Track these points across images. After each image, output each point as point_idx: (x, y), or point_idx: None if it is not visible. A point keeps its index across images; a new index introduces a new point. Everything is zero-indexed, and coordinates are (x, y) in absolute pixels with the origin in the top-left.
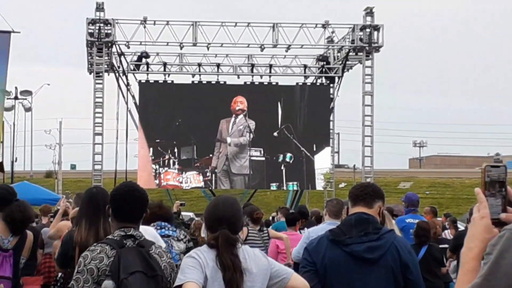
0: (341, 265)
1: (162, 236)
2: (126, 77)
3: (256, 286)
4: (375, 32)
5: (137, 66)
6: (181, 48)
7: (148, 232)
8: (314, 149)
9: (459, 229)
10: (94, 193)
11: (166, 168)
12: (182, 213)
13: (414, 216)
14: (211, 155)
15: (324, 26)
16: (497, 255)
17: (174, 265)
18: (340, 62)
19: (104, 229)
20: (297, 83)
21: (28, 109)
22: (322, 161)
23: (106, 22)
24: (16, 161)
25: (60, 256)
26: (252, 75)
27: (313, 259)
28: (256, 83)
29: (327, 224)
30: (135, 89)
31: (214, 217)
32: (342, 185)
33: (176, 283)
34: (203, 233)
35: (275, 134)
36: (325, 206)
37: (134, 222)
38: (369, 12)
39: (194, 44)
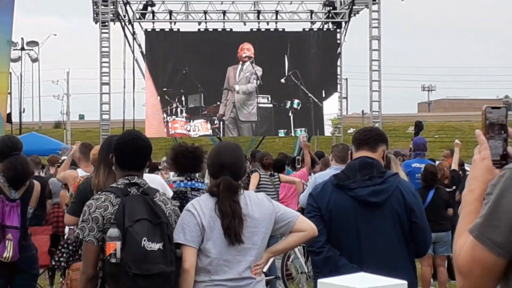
0: (346, 209)
1: (192, 189)
2: (132, 26)
3: (259, 231)
4: None
5: (143, 15)
6: None
7: (155, 181)
8: (323, 95)
9: (467, 172)
10: (113, 140)
11: (173, 117)
12: None
13: (420, 160)
14: (218, 103)
15: None
16: (497, 194)
17: (179, 211)
18: (347, 7)
19: None
20: (303, 29)
21: (34, 60)
22: (331, 107)
23: None
24: (24, 112)
25: (78, 202)
26: (259, 22)
27: (318, 204)
28: (263, 29)
29: (333, 169)
30: (141, 38)
31: (216, 164)
32: (350, 130)
33: (174, 240)
34: (207, 179)
35: (283, 80)
36: (331, 152)
37: (137, 170)
38: None
39: None
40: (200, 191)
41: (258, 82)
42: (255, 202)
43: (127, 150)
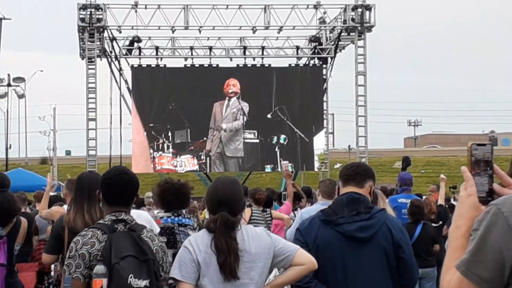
0: (333, 245)
1: (180, 225)
2: (119, 62)
3: (257, 266)
4: (367, 12)
5: (129, 51)
6: (173, 32)
7: (142, 216)
8: (313, 130)
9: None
10: (81, 178)
11: (160, 152)
12: None
13: (407, 195)
14: (205, 138)
15: (316, 6)
16: (484, 230)
17: (165, 248)
18: (333, 43)
19: (89, 213)
20: (289, 65)
21: (21, 96)
22: (317, 142)
23: (97, 7)
24: (10, 148)
25: (52, 240)
26: (245, 58)
27: (305, 239)
28: (249, 65)
29: (320, 204)
30: (128, 73)
31: (213, 200)
32: (337, 165)
33: (171, 275)
34: (207, 215)
35: (269, 116)
36: (318, 187)
37: (124, 206)
38: None
39: (186, 28)
40: (188, 227)
41: (245, 118)
42: (252, 237)
43: (114, 186)
